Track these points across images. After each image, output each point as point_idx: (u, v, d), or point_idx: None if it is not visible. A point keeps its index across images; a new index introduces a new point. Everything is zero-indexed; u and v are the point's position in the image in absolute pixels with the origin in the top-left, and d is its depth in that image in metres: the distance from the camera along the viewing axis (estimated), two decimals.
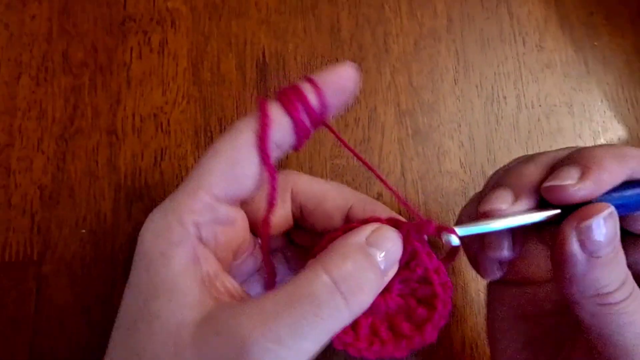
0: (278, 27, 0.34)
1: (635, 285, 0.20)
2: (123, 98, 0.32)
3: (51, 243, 0.30)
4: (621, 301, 0.19)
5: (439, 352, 0.30)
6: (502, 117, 0.34)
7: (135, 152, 0.32)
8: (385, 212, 0.23)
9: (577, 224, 0.19)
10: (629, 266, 0.20)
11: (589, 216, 0.18)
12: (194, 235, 0.19)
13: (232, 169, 0.20)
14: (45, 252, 0.30)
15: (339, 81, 0.21)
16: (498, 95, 0.34)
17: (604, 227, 0.18)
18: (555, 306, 0.24)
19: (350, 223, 0.22)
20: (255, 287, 0.24)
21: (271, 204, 0.21)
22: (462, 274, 0.31)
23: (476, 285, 0.31)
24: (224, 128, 0.32)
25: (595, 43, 0.36)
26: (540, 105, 0.34)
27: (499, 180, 0.22)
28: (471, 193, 0.32)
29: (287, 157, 0.32)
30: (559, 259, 0.19)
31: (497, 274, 0.23)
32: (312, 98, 0.20)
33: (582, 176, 0.19)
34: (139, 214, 0.31)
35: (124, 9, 0.34)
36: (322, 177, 0.32)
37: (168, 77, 0.33)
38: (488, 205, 0.20)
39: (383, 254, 0.19)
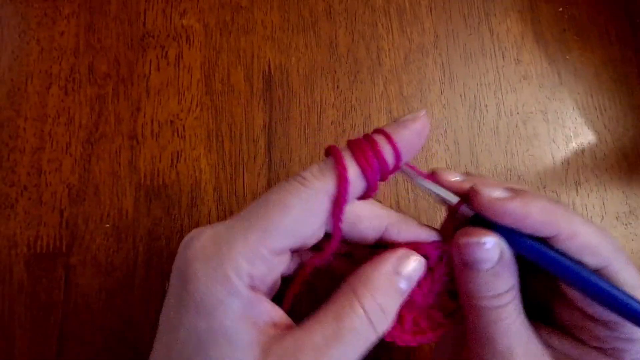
0: (282, 43, 0.36)
1: (515, 311, 0.21)
2: (143, 106, 0.34)
3: (78, 236, 0.31)
4: (490, 308, 0.21)
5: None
6: (483, 124, 0.35)
7: (154, 154, 0.33)
8: (417, 232, 0.23)
9: (459, 237, 0.21)
10: (535, 292, 0.22)
11: (469, 235, 0.21)
12: (248, 285, 0.19)
13: (299, 229, 0.19)
14: (72, 244, 0.31)
15: (414, 137, 0.20)
16: (480, 104, 0.35)
17: (479, 249, 0.20)
18: None
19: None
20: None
21: (324, 258, 0.21)
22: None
23: None
24: (234, 133, 0.34)
25: (567, 57, 0.37)
26: (518, 113, 0.35)
27: (472, 174, 0.24)
28: None
29: (290, 160, 0.33)
30: (458, 260, 0.21)
31: None
32: (388, 156, 0.20)
33: (504, 199, 0.20)
34: (157, 210, 0.32)
35: (143, 26, 0.35)
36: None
37: (183, 88, 0.34)
38: (441, 170, 0.23)
39: (406, 280, 0.21)
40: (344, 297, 0.20)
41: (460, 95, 0.36)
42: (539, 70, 0.37)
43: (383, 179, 0.20)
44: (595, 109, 0.36)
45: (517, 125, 0.36)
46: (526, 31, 0.37)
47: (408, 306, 0.23)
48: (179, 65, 0.35)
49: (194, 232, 0.20)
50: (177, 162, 0.33)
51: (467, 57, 0.37)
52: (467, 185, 0.22)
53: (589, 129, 0.36)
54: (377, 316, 0.20)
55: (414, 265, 0.22)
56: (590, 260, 0.20)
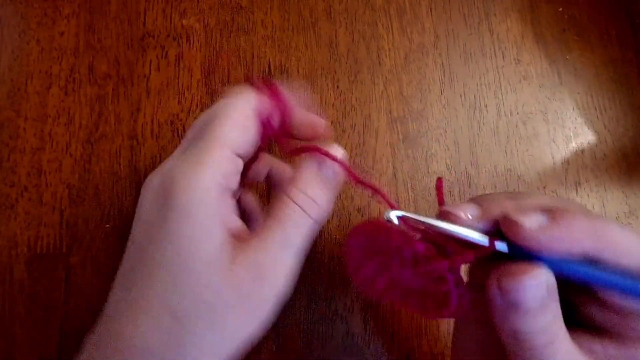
0: (282, 43, 0.36)
1: (563, 335, 0.19)
2: (143, 106, 0.34)
3: (78, 237, 0.31)
4: (537, 345, 0.18)
5: (428, 335, 0.31)
6: (483, 124, 0.35)
7: (154, 154, 0.33)
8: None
9: (499, 276, 0.18)
10: (584, 313, 0.20)
11: (513, 274, 0.18)
12: (222, 186, 0.21)
13: (244, 132, 0.22)
14: (73, 244, 0.31)
15: (310, 125, 0.25)
16: (480, 104, 0.36)
17: (525, 288, 0.18)
18: None
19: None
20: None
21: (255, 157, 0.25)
22: None
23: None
24: None
25: (567, 57, 0.37)
26: (517, 113, 0.35)
27: (478, 198, 0.22)
28: (456, 192, 0.34)
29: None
30: (487, 297, 0.19)
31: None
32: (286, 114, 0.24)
33: (545, 228, 0.18)
34: None
35: (143, 26, 0.35)
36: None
37: (183, 88, 0.34)
38: (451, 208, 0.20)
39: (329, 169, 0.24)
40: (279, 199, 0.23)
41: (460, 95, 0.36)
42: (539, 70, 0.37)
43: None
44: (595, 109, 0.36)
45: (517, 125, 0.36)
46: (526, 31, 0.37)
47: (383, 273, 0.22)
48: (179, 65, 0.35)
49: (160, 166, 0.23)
50: None
51: (467, 57, 0.37)
52: (492, 215, 0.20)
53: (589, 129, 0.36)
54: (306, 203, 0.22)
55: (332, 154, 0.23)
56: (633, 264, 0.18)
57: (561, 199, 0.22)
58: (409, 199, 0.34)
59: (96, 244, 0.32)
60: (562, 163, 0.35)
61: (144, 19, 0.35)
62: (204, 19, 0.36)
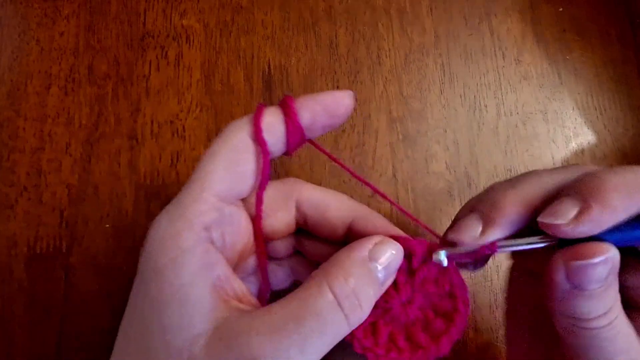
0: (282, 43, 0.36)
1: (621, 312, 0.18)
2: (142, 106, 0.34)
3: (78, 236, 0.31)
4: (601, 327, 0.18)
5: None
6: (483, 124, 0.35)
7: (154, 154, 0.33)
8: (388, 226, 0.22)
9: (567, 260, 0.17)
10: (628, 288, 0.19)
11: (582, 257, 0.17)
12: (204, 238, 0.18)
13: (231, 167, 0.19)
14: (72, 244, 0.31)
15: (333, 104, 0.20)
16: (480, 104, 0.35)
17: (595, 269, 0.17)
18: None
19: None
20: (254, 285, 0.23)
21: (262, 186, 0.21)
22: None
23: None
24: None
25: (568, 57, 0.37)
26: (517, 113, 0.35)
27: (477, 205, 0.20)
28: (456, 192, 0.34)
29: (290, 159, 0.33)
30: (547, 282, 0.18)
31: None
32: (304, 112, 0.20)
33: (580, 214, 0.17)
34: (157, 210, 0.30)
35: (143, 26, 0.35)
36: (321, 178, 0.33)
37: (183, 88, 0.34)
38: (456, 235, 0.19)
39: (383, 268, 0.19)
40: (313, 280, 0.18)
41: (460, 95, 0.36)
42: (539, 70, 0.36)
43: (301, 132, 0.20)
44: (595, 109, 0.36)
45: (517, 125, 0.35)
46: (526, 31, 0.37)
47: (384, 315, 0.21)
48: (178, 66, 0.35)
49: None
50: (176, 162, 0.33)
51: (467, 57, 0.36)
52: (501, 220, 0.19)
53: (588, 129, 0.36)
54: (348, 301, 0.18)
55: (392, 251, 0.20)
56: None
57: (563, 170, 0.20)
58: (408, 199, 0.34)
59: (95, 244, 0.32)
60: (562, 163, 0.35)
61: (144, 19, 0.35)
62: (204, 19, 0.36)
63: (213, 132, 0.34)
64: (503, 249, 0.19)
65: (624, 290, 0.19)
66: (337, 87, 0.35)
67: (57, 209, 0.32)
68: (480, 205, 0.20)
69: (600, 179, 0.17)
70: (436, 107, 0.35)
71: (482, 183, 0.34)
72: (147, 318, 0.18)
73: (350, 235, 0.22)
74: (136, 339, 0.18)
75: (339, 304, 0.18)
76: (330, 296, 0.17)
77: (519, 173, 0.34)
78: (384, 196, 0.24)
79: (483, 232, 0.19)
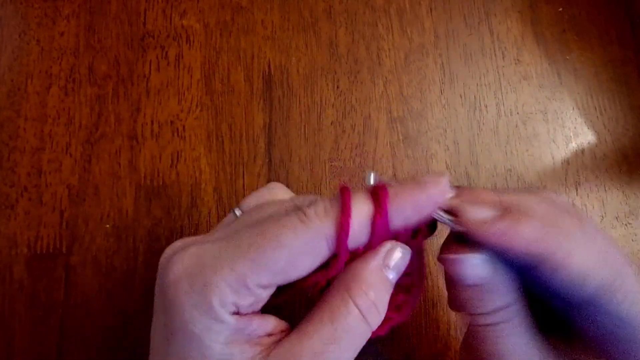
0: (282, 43, 0.36)
1: (517, 327, 0.20)
2: (143, 106, 0.34)
3: (78, 236, 0.31)
4: (484, 325, 0.20)
5: (428, 335, 0.31)
6: (483, 124, 0.35)
7: (154, 154, 0.33)
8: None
9: (445, 252, 0.20)
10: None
11: (455, 252, 0.20)
12: (234, 312, 0.18)
13: (290, 268, 0.18)
14: (73, 244, 0.31)
15: (428, 201, 0.20)
16: (480, 104, 0.35)
17: (462, 266, 0.19)
18: None
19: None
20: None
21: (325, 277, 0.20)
22: None
23: None
24: (234, 133, 0.34)
25: (567, 57, 0.37)
26: (517, 113, 0.35)
27: (464, 188, 0.22)
28: None
29: (290, 160, 0.33)
30: (445, 278, 0.21)
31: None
32: (396, 212, 0.19)
33: (486, 222, 0.19)
34: (157, 210, 0.32)
35: (143, 26, 0.35)
36: (321, 178, 0.33)
37: (183, 88, 0.34)
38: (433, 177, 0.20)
39: (394, 271, 0.21)
40: (337, 296, 0.20)
41: (460, 95, 0.36)
42: (539, 70, 0.37)
43: (385, 233, 0.20)
44: (595, 109, 0.36)
45: (517, 125, 0.35)
46: (526, 31, 0.37)
47: None
48: (179, 66, 0.35)
49: (176, 245, 0.20)
50: (177, 162, 0.33)
51: (467, 57, 0.36)
52: (454, 203, 0.21)
53: (588, 129, 0.36)
54: (370, 312, 0.20)
55: (399, 255, 0.21)
56: (583, 287, 0.19)
57: (555, 205, 0.21)
58: None
59: (96, 243, 0.32)
60: (562, 163, 0.35)
61: (144, 19, 0.35)
62: (204, 19, 0.36)
63: (213, 132, 0.34)
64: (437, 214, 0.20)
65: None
66: (338, 87, 0.35)
67: (57, 209, 0.32)
68: (465, 188, 0.22)
69: (529, 218, 0.19)
70: (436, 107, 0.35)
71: (482, 183, 0.34)
72: None
73: None
74: None
75: (364, 317, 0.19)
76: (356, 312, 0.19)
77: (519, 173, 0.35)
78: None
79: (453, 197, 0.21)
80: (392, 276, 0.21)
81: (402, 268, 0.21)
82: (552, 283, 0.19)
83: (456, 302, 0.21)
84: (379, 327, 0.22)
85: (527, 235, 0.18)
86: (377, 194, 0.19)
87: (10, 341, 0.30)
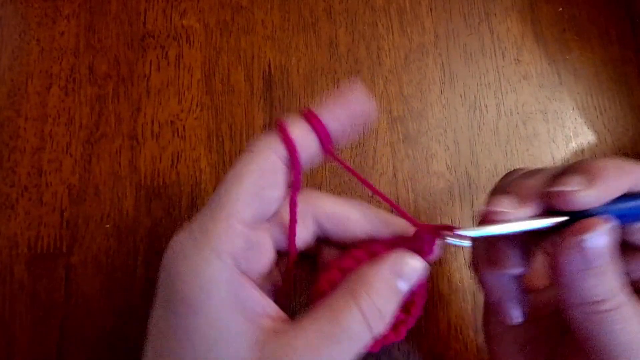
0: (282, 43, 0.36)
1: (631, 294, 0.19)
2: (143, 106, 0.34)
3: (79, 236, 0.31)
4: (611, 309, 0.19)
5: (428, 335, 0.31)
6: (483, 124, 0.35)
7: (154, 154, 0.33)
8: (406, 231, 0.22)
9: (576, 235, 0.18)
10: (627, 275, 0.20)
11: (589, 229, 0.18)
12: (232, 267, 0.18)
13: (259, 192, 0.19)
14: (73, 244, 0.31)
15: (354, 104, 0.20)
16: (480, 104, 0.35)
17: (602, 240, 0.18)
18: (552, 309, 0.24)
19: (374, 242, 0.22)
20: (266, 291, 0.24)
21: (293, 226, 0.21)
22: (447, 263, 0.32)
23: (460, 274, 0.32)
24: (234, 133, 0.34)
25: (567, 57, 0.37)
26: (517, 113, 0.35)
27: (501, 189, 0.21)
28: (456, 192, 0.34)
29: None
30: (556, 267, 0.19)
31: (519, 315, 0.22)
32: (329, 120, 0.20)
33: (588, 184, 0.19)
34: (158, 210, 0.32)
35: (143, 26, 0.35)
36: (321, 178, 0.33)
37: (183, 88, 0.34)
38: (494, 207, 0.20)
39: (405, 282, 0.20)
40: (342, 297, 0.20)
41: (460, 95, 0.36)
42: (539, 70, 0.36)
43: (326, 139, 0.20)
44: (595, 109, 0.36)
45: (517, 125, 0.35)
46: (526, 31, 0.37)
47: None
48: (179, 65, 0.35)
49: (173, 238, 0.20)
50: (177, 162, 0.33)
51: (467, 57, 0.36)
52: (529, 198, 0.20)
53: (589, 129, 0.36)
54: (374, 318, 0.19)
55: (412, 264, 0.21)
56: None
57: (568, 164, 0.21)
58: (409, 199, 0.34)
59: (96, 243, 0.32)
60: (562, 163, 0.35)
61: (144, 19, 0.35)
62: (204, 19, 0.36)
63: (213, 132, 0.34)
64: (513, 226, 0.19)
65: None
66: (337, 87, 0.35)
67: (57, 209, 0.32)
68: (509, 188, 0.21)
69: (596, 161, 0.19)
70: (436, 107, 0.35)
71: (483, 183, 0.34)
72: (184, 353, 0.18)
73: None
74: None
75: (367, 322, 0.19)
76: (359, 315, 0.19)
77: None
78: (387, 200, 0.23)
79: (519, 207, 0.20)
80: (403, 286, 0.20)
81: (414, 279, 0.21)
82: None
83: (580, 294, 0.19)
84: (397, 334, 0.22)
85: (617, 172, 0.19)
86: (308, 113, 0.20)
87: (11, 341, 0.30)
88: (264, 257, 0.21)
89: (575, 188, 0.19)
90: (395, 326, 0.22)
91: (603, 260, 0.18)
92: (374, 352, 0.21)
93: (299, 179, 0.20)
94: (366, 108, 0.21)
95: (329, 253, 0.24)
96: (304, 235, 0.22)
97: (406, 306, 0.23)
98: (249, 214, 0.19)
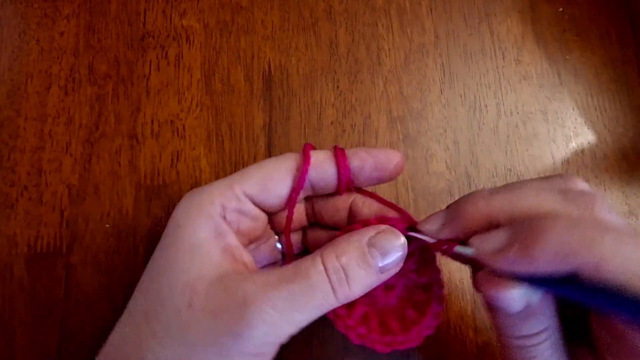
0: (282, 43, 0.36)
1: (553, 340, 0.20)
2: (143, 106, 0.34)
3: (78, 236, 0.31)
4: (526, 347, 0.20)
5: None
6: (483, 124, 0.35)
7: (154, 154, 0.33)
8: (383, 208, 0.24)
9: (484, 284, 0.19)
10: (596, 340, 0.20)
11: (490, 283, 0.19)
12: (219, 213, 0.22)
13: (266, 181, 0.22)
14: (73, 244, 0.31)
15: (383, 159, 0.23)
16: (480, 104, 0.35)
17: (504, 300, 0.18)
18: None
19: (367, 220, 0.22)
20: None
21: (289, 224, 0.24)
22: (447, 264, 0.32)
23: (460, 274, 0.32)
24: (234, 133, 0.34)
25: (567, 57, 0.37)
26: (517, 113, 0.35)
27: (453, 204, 0.22)
28: (456, 192, 0.34)
29: None
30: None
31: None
32: (353, 159, 0.23)
33: (503, 250, 0.18)
34: (157, 210, 0.32)
35: (143, 26, 0.35)
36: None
37: (183, 87, 0.34)
38: (421, 224, 0.22)
39: (381, 256, 0.21)
40: (310, 256, 0.21)
41: (460, 95, 0.36)
42: (539, 70, 0.37)
43: (345, 175, 0.23)
44: (595, 109, 0.36)
45: (517, 125, 0.36)
46: (526, 31, 0.37)
47: (371, 304, 0.22)
48: (179, 65, 0.35)
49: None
50: (177, 161, 0.33)
51: (467, 57, 0.37)
52: (458, 226, 0.21)
53: (589, 129, 0.36)
54: (337, 276, 0.20)
55: (393, 242, 0.21)
56: (628, 284, 0.16)
57: (562, 196, 0.19)
58: (408, 199, 0.34)
59: (96, 243, 0.32)
60: (562, 163, 0.35)
61: (144, 19, 0.35)
62: (204, 19, 0.36)
63: (213, 132, 0.34)
64: (458, 250, 0.21)
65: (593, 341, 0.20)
66: (338, 87, 0.35)
67: (57, 209, 0.32)
68: (453, 205, 0.22)
69: (549, 229, 0.17)
70: (436, 107, 0.35)
71: (483, 183, 0.34)
72: (160, 263, 0.21)
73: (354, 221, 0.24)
74: (150, 278, 0.21)
75: (328, 276, 0.20)
76: (320, 267, 0.20)
77: (519, 173, 0.35)
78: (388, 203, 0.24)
79: (440, 228, 0.21)
80: (378, 260, 0.21)
81: (396, 259, 0.21)
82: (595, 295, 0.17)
83: (496, 325, 0.21)
84: (380, 341, 0.21)
85: (545, 255, 0.17)
86: (337, 147, 0.23)
87: (10, 340, 0.30)
88: (255, 228, 0.24)
89: (482, 249, 0.19)
90: (405, 326, 0.22)
91: (512, 310, 0.19)
92: (384, 352, 0.21)
93: (301, 183, 0.23)
94: (393, 163, 0.23)
95: (312, 236, 0.27)
96: (296, 213, 0.25)
97: (420, 305, 0.22)
98: (252, 190, 0.22)
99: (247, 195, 0.22)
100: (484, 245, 0.19)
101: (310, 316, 0.20)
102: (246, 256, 0.22)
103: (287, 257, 0.25)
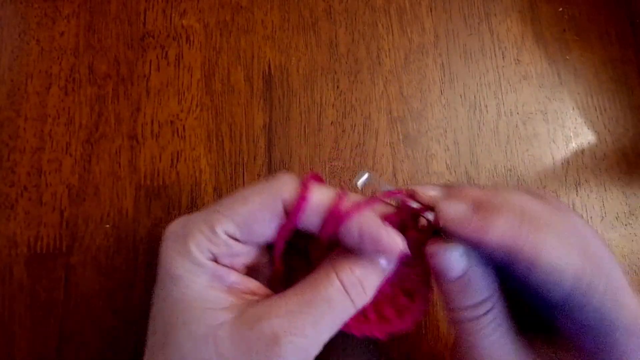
0: (282, 43, 0.36)
1: (496, 321, 0.21)
2: (143, 106, 0.34)
3: (78, 236, 0.31)
4: (469, 320, 0.20)
5: (428, 335, 0.31)
6: (483, 124, 0.35)
7: (154, 154, 0.33)
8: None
9: (428, 246, 0.21)
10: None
11: (437, 244, 0.20)
12: (210, 258, 0.21)
13: (250, 224, 0.21)
14: (73, 244, 0.31)
15: (381, 244, 0.21)
16: (480, 104, 0.35)
17: (445, 258, 0.20)
18: None
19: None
20: (261, 278, 0.25)
21: (280, 243, 0.22)
22: None
23: None
24: (234, 133, 0.34)
25: (567, 57, 0.37)
26: (517, 113, 0.35)
27: (450, 186, 0.23)
28: None
29: (290, 160, 0.33)
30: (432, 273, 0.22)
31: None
32: (353, 224, 0.20)
33: (461, 218, 0.20)
34: (157, 210, 0.32)
35: (143, 26, 0.35)
36: (322, 177, 0.34)
37: (183, 88, 0.34)
38: (423, 186, 0.23)
39: (387, 258, 0.21)
40: (322, 269, 0.21)
41: (460, 95, 0.36)
42: (539, 70, 0.37)
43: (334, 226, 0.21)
44: (595, 109, 0.36)
45: (517, 125, 0.35)
46: (526, 31, 0.37)
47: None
48: (179, 65, 0.35)
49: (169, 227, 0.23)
50: (177, 162, 0.33)
51: (467, 57, 0.37)
52: (432, 199, 0.22)
53: (589, 129, 0.36)
54: (354, 288, 0.20)
55: (395, 240, 0.21)
56: (559, 282, 0.19)
57: (534, 199, 0.21)
58: None
59: (96, 243, 0.32)
60: (562, 163, 0.35)
61: (144, 19, 0.35)
62: (204, 19, 0.36)
63: (213, 132, 0.34)
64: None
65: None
66: (338, 87, 0.35)
67: (57, 209, 0.32)
68: (450, 187, 0.23)
69: (503, 213, 0.19)
70: (436, 107, 0.35)
71: (483, 183, 0.34)
72: (170, 316, 0.20)
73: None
74: (164, 334, 0.20)
75: (346, 291, 0.20)
76: (337, 284, 0.20)
77: (519, 173, 0.35)
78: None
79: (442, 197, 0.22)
80: (384, 262, 0.21)
81: (396, 257, 0.21)
82: (529, 280, 0.19)
83: (443, 298, 0.21)
84: (378, 329, 0.22)
85: (498, 230, 0.19)
86: (340, 197, 0.21)
87: (10, 341, 0.30)
88: (249, 258, 0.23)
89: (446, 211, 0.20)
90: (399, 312, 0.22)
91: (454, 274, 0.20)
92: (381, 339, 0.22)
93: (289, 234, 0.21)
94: (389, 247, 0.21)
95: (314, 248, 0.25)
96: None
97: (409, 292, 0.23)
98: (233, 230, 0.21)
99: (232, 237, 0.21)
100: (450, 209, 0.20)
101: (333, 332, 0.20)
102: (251, 284, 0.22)
103: (275, 273, 0.24)
